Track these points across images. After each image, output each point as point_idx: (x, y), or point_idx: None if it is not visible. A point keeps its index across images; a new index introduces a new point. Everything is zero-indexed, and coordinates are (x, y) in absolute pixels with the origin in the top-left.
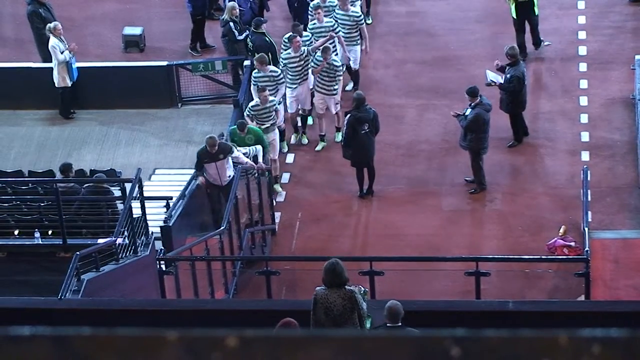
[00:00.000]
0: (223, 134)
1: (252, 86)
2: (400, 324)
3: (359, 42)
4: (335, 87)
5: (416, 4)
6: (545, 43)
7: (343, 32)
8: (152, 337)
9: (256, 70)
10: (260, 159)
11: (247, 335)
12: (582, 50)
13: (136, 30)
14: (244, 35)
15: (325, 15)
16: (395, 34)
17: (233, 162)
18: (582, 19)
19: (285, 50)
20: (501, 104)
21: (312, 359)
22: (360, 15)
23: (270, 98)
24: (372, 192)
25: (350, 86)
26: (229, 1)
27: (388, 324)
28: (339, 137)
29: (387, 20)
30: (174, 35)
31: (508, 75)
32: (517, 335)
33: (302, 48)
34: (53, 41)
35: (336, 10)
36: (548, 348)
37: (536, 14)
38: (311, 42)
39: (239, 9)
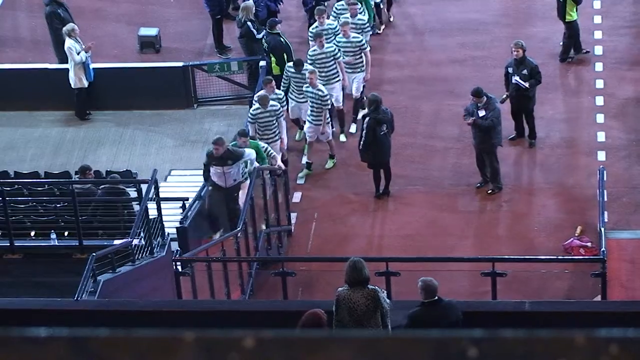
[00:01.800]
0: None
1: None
2: (436, 297)
3: (362, 69)
4: (321, 117)
5: (432, 4)
6: (561, 43)
7: (345, 59)
8: (169, 338)
9: (256, 107)
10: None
11: (264, 336)
12: (598, 50)
13: (152, 31)
14: (262, 33)
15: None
16: (411, 34)
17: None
18: (597, 19)
19: (312, 47)
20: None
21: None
22: (362, 41)
23: (272, 103)
24: (389, 193)
25: (353, 128)
26: (244, 0)
27: (425, 301)
28: (330, 163)
29: (402, 20)
30: (190, 35)
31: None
32: (534, 335)
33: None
34: (69, 42)
35: (337, 38)
36: (565, 348)
37: (567, 20)
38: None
39: (256, 7)
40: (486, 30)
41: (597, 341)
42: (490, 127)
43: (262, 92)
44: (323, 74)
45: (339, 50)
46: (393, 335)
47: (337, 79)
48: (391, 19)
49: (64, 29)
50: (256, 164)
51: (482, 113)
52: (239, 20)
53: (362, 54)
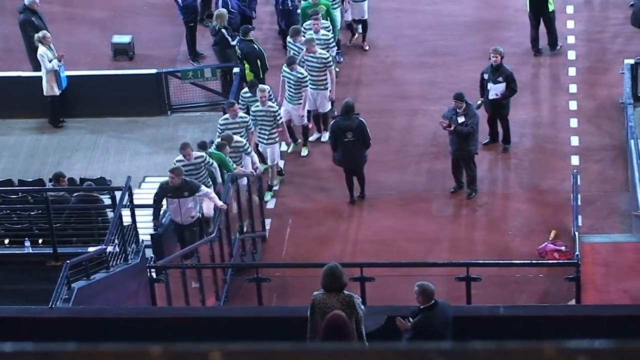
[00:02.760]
0: (212, 142)
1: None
2: (433, 301)
3: (327, 86)
4: (275, 136)
5: (406, 9)
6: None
7: (311, 76)
8: (136, 352)
9: (225, 117)
10: (218, 177)
11: (231, 349)
12: (572, 55)
13: (125, 39)
14: (235, 40)
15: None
16: (384, 39)
17: (200, 199)
18: (570, 24)
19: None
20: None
21: None
22: (329, 57)
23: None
24: (364, 196)
25: (325, 137)
26: (219, 8)
27: (423, 306)
28: (305, 150)
29: (376, 25)
30: (163, 42)
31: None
32: (504, 347)
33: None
34: (42, 50)
35: (303, 55)
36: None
37: (550, 10)
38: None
39: (230, 14)
40: (459, 35)
41: (566, 352)
42: (469, 134)
43: (225, 134)
44: (290, 93)
45: (306, 67)
46: (361, 348)
47: (302, 99)
48: (366, 48)
49: (36, 36)
50: (218, 201)
51: (461, 119)
52: (212, 28)
53: (327, 72)
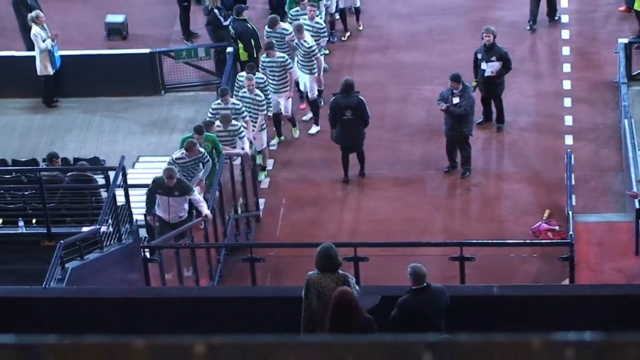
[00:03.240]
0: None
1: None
2: (425, 284)
3: (314, 71)
4: (262, 124)
5: None
6: (528, 27)
7: (299, 62)
8: (119, 345)
9: (218, 102)
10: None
11: (215, 342)
12: (565, 34)
13: (119, 18)
14: (228, 20)
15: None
16: (378, 18)
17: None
18: (564, 3)
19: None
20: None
21: None
22: (313, 46)
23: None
24: (364, 174)
25: (308, 116)
26: None
27: (414, 287)
28: (262, 175)
29: (370, 5)
30: (157, 22)
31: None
32: (490, 339)
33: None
34: (35, 29)
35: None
36: (521, 352)
37: None
38: (265, 84)
39: None
40: (453, 14)
41: (554, 344)
42: (462, 116)
43: (207, 120)
44: (274, 83)
45: (291, 61)
46: (347, 340)
47: (287, 88)
48: (360, 28)
49: (29, 15)
50: (205, 210)
51: (456, 100)
52: (205, 8)
53: (314, 59)
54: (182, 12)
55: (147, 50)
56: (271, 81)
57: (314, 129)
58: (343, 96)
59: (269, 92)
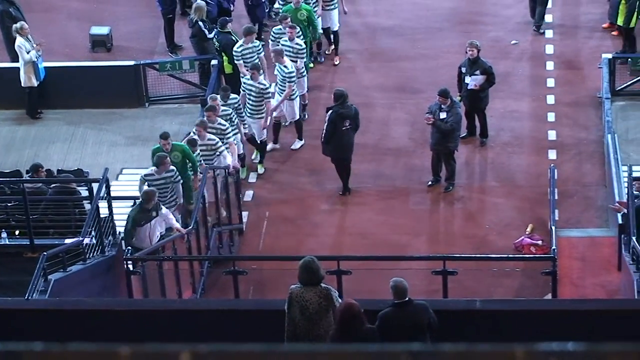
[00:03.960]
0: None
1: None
2: (407, 299)
3: (293, 97)
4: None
5: (384, 2)
6: (513, 42)
7: (250, 102)
8: (105, 352)
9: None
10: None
11: (200, 351)
12: (549, 49)
13: (103, 30)
14: (213, 33)
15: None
16: (363, 31)
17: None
18: (549, 18)
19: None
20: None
21: None
22: (292, 72)
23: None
24: (350, 190)
25: (298, 145)
26: (198, 1)
27: (396, 301)
28: (298, 144)
29: (354, 18)
30: (141, 34)
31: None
32: (474, 349)
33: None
34: (19, 41)
35: (244, 81)
36: None
37: None
38: (238, 104)
39: (208, 5)
40: (437, 28)
41: (537, 354)
42: (448, 131)
43: (190, 138)
44: (251, 106)
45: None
46: (330, 350)
47: (263, 113)
48: (336, 63)
49: (14, 27)
50: (176, 224)
51: (443, 115)
52: (190, 20)
53: (294, 83)
54: (167, 25)
55: (131, 63)
56: (248, 104)
57: (298, 144)
58: (343, 107)
59: (243, 114)
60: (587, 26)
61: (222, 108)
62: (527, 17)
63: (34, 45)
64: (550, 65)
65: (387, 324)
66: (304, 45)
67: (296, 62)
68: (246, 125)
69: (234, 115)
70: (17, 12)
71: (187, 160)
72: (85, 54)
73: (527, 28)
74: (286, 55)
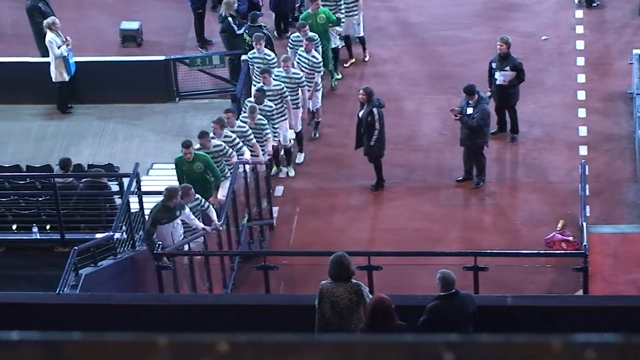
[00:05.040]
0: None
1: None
2: (454, 290)
3: (299, 105)
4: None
5: None
6: (543, 37)
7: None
8: (143, 342)
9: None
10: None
11: (238, 340)
12: (580, 45)
13: (134, 25)
14: (242, 29)
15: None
16: (393, 27)
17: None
18: (579, 13)
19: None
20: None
21: None
22: (301, 77)
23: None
24: (383, 186)
25: (301, 158)
26: None
27: (442, 293)
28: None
29: (385, 14)
30: (172, 29)
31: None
32: (510, 340)
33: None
34: (50, 36)
35: (276, 71)
36: (542, 353)
37: None
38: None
39: (237, 1)
40: (468, 24)
41: (574, 346)
42: (475, 127)
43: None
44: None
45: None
46: (366, 340)
47: (284, 117)
48: (366, 59)
49: (45, 22)
50: (198, 224)
51: (469, 111)
52: (219, 15)
53: (300, 91)
54: (197, 20)
55: (161, 57)
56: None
57: (300, 157)
58: (378, 103)
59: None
60: (618, 22)
61: (238, 123)
62: (557, 13)
63: (64, 40)
64: (580, 61)
65: (436, 316)
66: (320, 59)
67: (313, 75)
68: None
69: (250, 136)
70: (46, 7)
71: (208, 171)
72: (116, 48)
73: (557, 23)
74: (302, 68)
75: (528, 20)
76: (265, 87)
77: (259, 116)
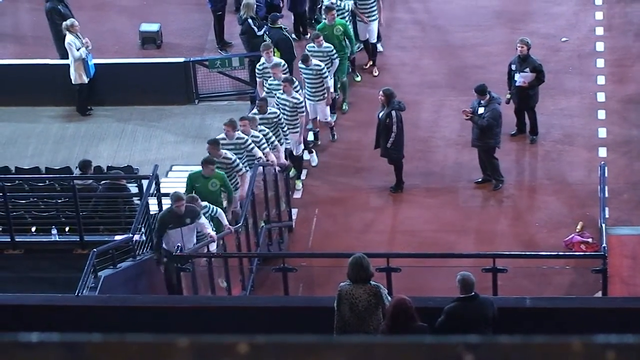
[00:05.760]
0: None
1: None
2: (473, 293)
3: (324, 96)
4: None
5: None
6: (563, 39)
7: (284, 117)
8: (163, 344)
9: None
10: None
11: (258, 342)
12: (600, 47)
13: (153, 27)
14: (262, 30)
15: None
16: (412, 30)
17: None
18: (599, 15)
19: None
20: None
21: None
22: (301, 102)
23: (238, 134)
24: (402, 188)
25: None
26: None
27: (462, 295)
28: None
29: (403, 16)
30: (191, 31)
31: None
32: (531, 341)
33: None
34: (69, 38)
35: (278, 95)
36: (562, 354)
37: None
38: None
39: (257, 1)
40: (488, 26)
41: (594, 347)
42: (486, 127)
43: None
44: (310, 90)
45: (279, 108)
46: (387, 341)
47: (298, 127)
48: (375, 74)
49: (64, 24)
50: (211, 232)
51: (481, 111)
52: (239, 17)
53: (323, 82)
54: (217, 21)
55: (181, 59)
56: (308, 89)
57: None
58: (397, 105)
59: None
60: (638, 23)
61: (253, 133)
62: (577, 15)
63: (84, 42)
64: (600, 63)
65: (454, 318)
66: (301, 99)
67: (329, 66)
68: (288, 141)
69: (262, 142)
70: (65, 9)
71: (223, 188)
72: (135, 50)
73: (577, 25)
74: (283, 110)
75: (548, 22)
76: (285, 97)
77: (237, 134)
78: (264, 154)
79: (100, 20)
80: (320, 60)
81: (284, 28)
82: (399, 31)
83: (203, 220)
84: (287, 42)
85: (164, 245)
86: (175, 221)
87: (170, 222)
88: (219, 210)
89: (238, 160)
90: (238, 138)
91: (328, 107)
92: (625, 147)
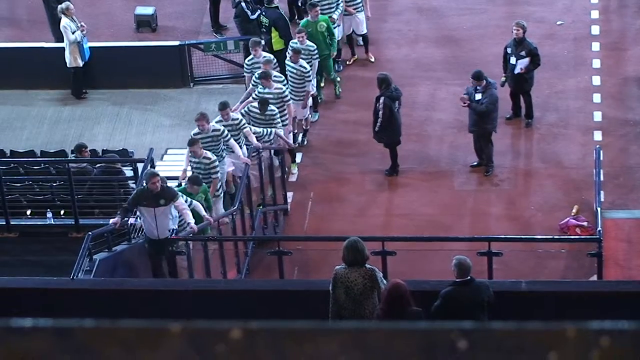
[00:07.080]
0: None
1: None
2: (469, 277)
3: (285, 122)
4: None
5: None
6: (558, 22)
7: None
8: (156, 329)
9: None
10: (202, 211)
11: (251, 327)
12: (595, 30)
13: (148, 10)
14: (256, 14)
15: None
16: (408, 13)
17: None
18: None
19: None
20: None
21: (318, 350)
22: (285, 92)
23: (233, 115)
24: (398, 171)
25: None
26: None
27: (457, 279)
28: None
29: (399, 1)
30: (186, 14)
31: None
32: (524, 327)
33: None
34: (65, 21)
35: (286, 61)
36: (556, 340)
37: None
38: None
39: None
40: (482, 10)
41: (588, 333)
42: (484, 112)
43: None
44: (293, 88)
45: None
46: (380, 327)
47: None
48: (371, 59)
49: (59, 7)
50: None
51: (478, 97)
52: (233, 1)
53: (305, 85)
54: (212, 5)
55: (176, 43)
56: (291, 87)
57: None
58: (389, 91)
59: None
60: (633, 7)
61: (233, 116)
62: None
63: (79, 26)
64: (595, 46)
65: (450, 302)
66: (309, 68)
67: (303, 85)
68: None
69: (244, 124)
70: None
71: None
72: (130, 34)
73: (572, 8)
74: (291, 78)
75: (543, 5)
76: (293, 64)
77: (233, 115)
78: (244, 135)
79: (95, 3)
80: (303, 59)
81: (280, 8)
82: (393, 15)
83: (181, 203)
84: (284, 21)
85: (145, 232)
86: (150, 199)
87: (145, 200)
88: (195, 202)
89: (217, 162)
90: (233, 119)
91: (306, 109)
92: (620, 131)
